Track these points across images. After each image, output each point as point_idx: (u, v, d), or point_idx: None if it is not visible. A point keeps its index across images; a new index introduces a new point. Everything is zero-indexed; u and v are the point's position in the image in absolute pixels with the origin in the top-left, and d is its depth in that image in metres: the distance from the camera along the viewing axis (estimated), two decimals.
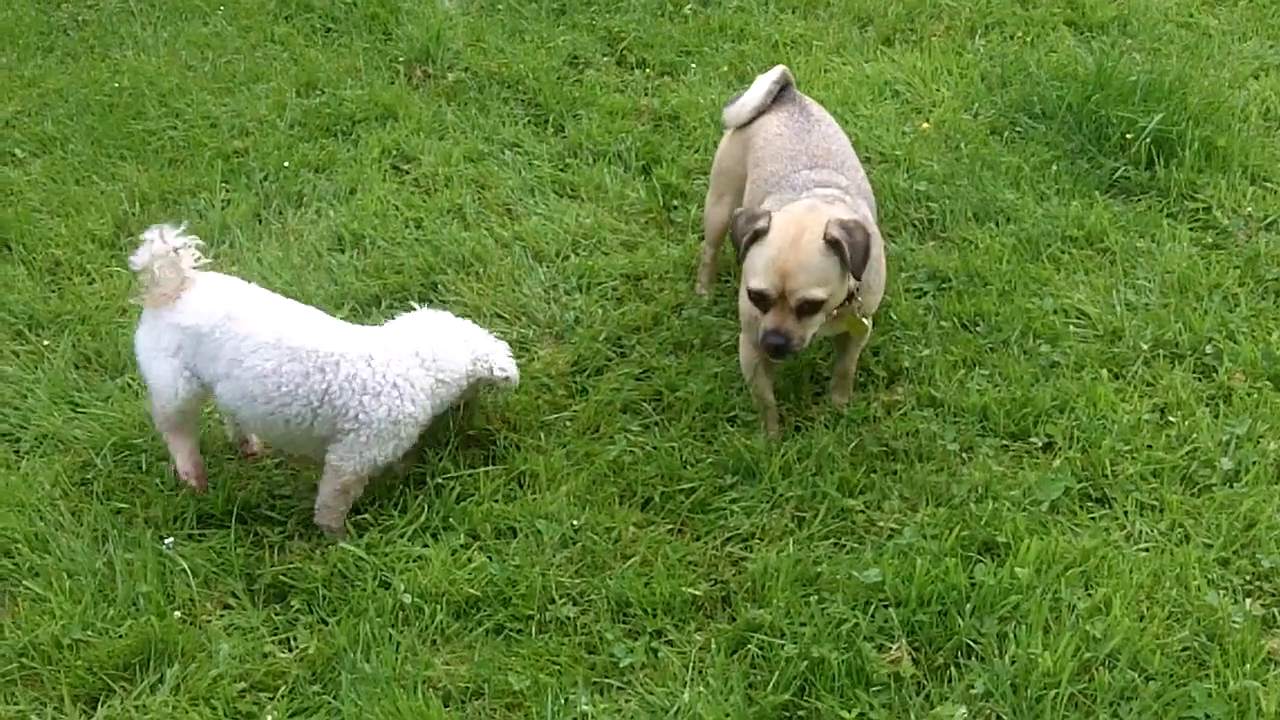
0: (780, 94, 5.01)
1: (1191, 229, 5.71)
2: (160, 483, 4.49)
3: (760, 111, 4.98)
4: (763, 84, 5.00)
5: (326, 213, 5.91)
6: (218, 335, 4.21)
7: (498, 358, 4.53)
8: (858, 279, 4.30)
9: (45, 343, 5.19)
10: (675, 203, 5.98)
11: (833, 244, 4.20)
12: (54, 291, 5.54)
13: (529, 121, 6.73)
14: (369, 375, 4.22)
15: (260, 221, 5.92)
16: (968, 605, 3.92)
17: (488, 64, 7.14)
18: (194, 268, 4.28)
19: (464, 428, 4.68)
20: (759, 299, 4.27)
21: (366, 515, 4.36)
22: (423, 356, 4.33)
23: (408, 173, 6.33)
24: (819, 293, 4.21)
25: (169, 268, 4.21)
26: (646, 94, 6.94)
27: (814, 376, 4.96)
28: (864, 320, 4.51)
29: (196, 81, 7.08)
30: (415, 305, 4.81)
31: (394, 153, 6.45)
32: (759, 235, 4.26)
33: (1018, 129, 6.42)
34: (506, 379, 4.56)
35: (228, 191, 6.15)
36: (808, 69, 7.03)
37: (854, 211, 4.46)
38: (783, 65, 5.06)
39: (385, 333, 4.44)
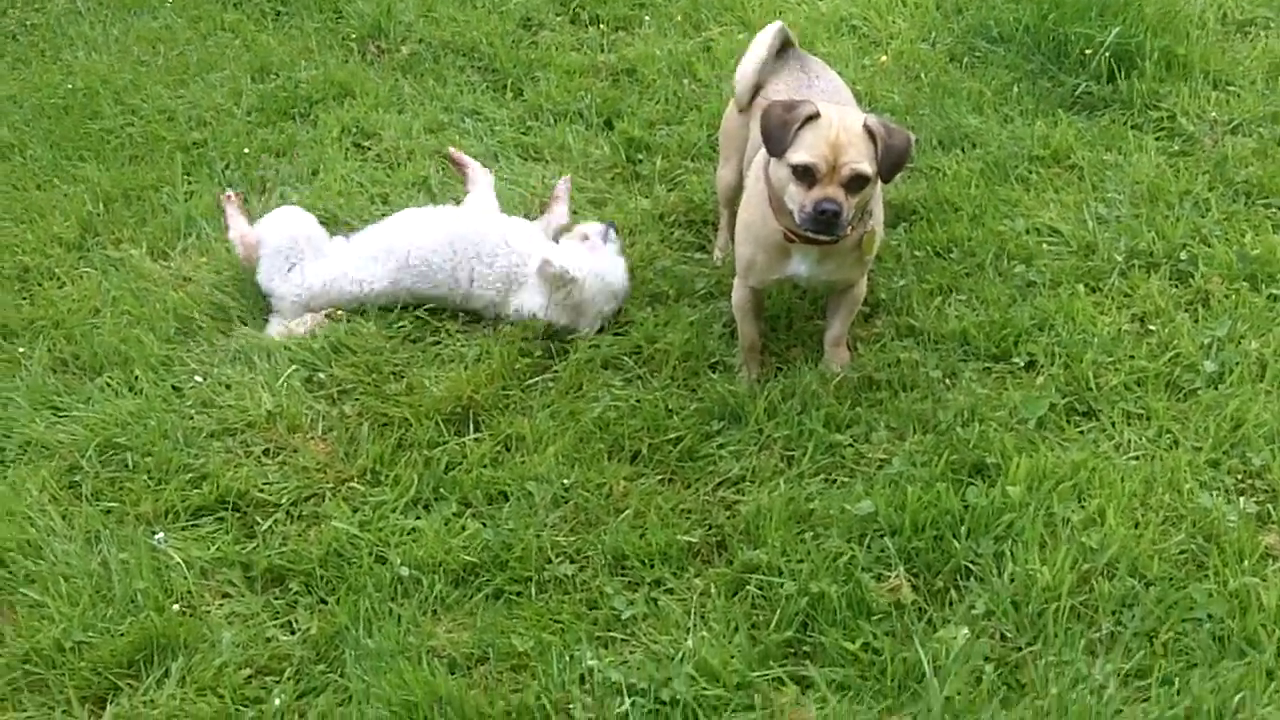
0: (782, 53, 4.86)
1: (1157, 138, 5.71)
2: (148, 478, 4.48)
3: (763, 70, 4.81)
4: (759, 44, 4.83)
5: (290, 196, 5.86)
6: None
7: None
8: (886, 181, 4.27)
9: (20, 350, 5.15)
10: (639, 156, 5.95)
11: (869, 131, 4.18)
12: (25, 298, 5.49)
13: (487, 88, 6.69)
14: None
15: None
16: (962, 528, 3.93)
17: (441, 34, 7.09)
18: None
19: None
20: (805, 174, 4.21)
21: (357, 490, 4.36)
22: None
23: (369, 149, 6.29)
24: (867, 168, 4.17)
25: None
26: (602, 50, 6.90)
27: (790, 321, 4.95)
28: (877, 234, 4.46)
29: (150, 76, 7.02)
30: None
31: (354, 130, 6.40)
32: (811, 118, 4.24)
33: (976, 54, 6.40)
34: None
35: (190, 183, 6.11)
36: (763, 10, 7.00)
37: None
38: (780, 22, 4.87)
39: None
